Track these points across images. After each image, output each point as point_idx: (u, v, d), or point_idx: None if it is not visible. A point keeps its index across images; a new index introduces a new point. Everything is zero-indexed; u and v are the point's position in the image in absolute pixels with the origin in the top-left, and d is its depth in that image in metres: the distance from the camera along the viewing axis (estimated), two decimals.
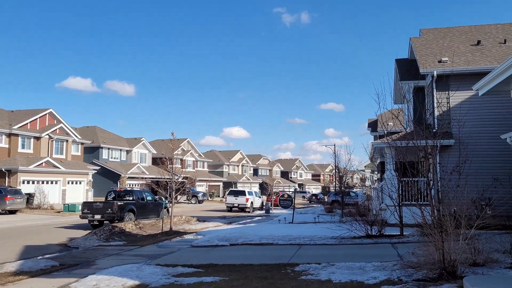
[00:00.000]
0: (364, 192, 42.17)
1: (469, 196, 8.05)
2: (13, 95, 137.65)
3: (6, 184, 33.22)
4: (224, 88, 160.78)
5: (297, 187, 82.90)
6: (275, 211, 35.40)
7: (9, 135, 36.72)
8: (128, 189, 26.91)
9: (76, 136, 43.85)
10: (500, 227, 9.26)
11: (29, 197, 33.33)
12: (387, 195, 14.37)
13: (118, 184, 47.17)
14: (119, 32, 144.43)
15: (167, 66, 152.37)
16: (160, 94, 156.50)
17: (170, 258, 11.15)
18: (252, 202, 37.07)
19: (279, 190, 56.85)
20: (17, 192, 30.24)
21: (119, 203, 20.54)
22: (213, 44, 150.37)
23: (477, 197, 11.81)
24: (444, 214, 7.46)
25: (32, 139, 38.87)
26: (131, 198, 22.35)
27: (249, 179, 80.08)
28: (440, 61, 17.55)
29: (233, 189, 45.44)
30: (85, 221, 20.82)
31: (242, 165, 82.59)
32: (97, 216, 20.18)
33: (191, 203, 48.77)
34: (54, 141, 40.89)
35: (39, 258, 11.74)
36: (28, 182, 35.92)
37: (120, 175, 49.00)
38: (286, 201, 26.91)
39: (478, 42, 18.96)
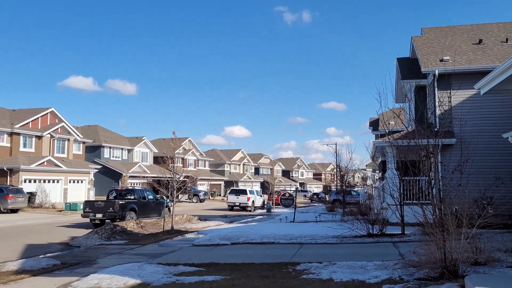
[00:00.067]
0: (365, 191, 42.13)
1: (470, 195, 8.04)
2: (15, 94, 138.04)
3: (8, 183, 33.28)
4: (225, 88, 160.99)
5: (298, 186, 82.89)
6: (276, 210, 35.38)
7: (11, 134, 36.80)
8: (129, 188, 26.95)
9: (77, 135, 43.91)
10: (501, 226, 9.25)
11: (31, 196, 33.39)
12: (389, 194, 14.35)
13: (120, 183, 47.21)
14: (119, 32, 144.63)
15: (167, 66, 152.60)
16: (161, 93, 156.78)
17: (172, 257, 11.15)
18: (253, 201, 37.08)
19: (281, 189, 56.84)
20: (19, 191, 30.30)
21: (120, 202, 20.57)
22: (213, 44, 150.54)
23: (479, 196, 11.79)
24: (446, 213, 7.44)
25: (33, 138, 38.93)
26: (132, 197, 22.38)
27: (250, 178, 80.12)
28: (441, 60, 17.52)
29: (234, 188, 45.44)
30: (87, 220, 20.85)
31: (244, 164, 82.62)
32: (99, 215, 20.22)
33: (193, 202, 48.82)
34: (55, 140, 40.95)
35: (40, 257, 11.75)
36: (29, 181, 36.01)
37: (122, 174, 49.06)
38: (287, 200, 26.88)
39: (480, 41, 18.92)
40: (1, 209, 28.45)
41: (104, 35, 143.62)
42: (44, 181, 37.29)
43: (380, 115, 14.60)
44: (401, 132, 15.98)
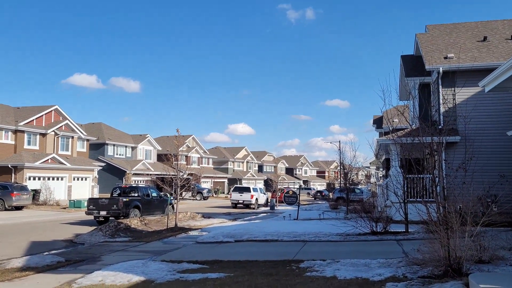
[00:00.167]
0: (369, 189, 42.08)
1: (475, 193, 8.01)
2: (19, 92, 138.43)
3: (13, 181, 33.41)
4: (226, 87, 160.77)
5: (302, 184, 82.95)
6: (280, 207, 35.42)
7: (15, 132, 36.93)
8: (133, 185, 26.99)
9: (81, 132, 44.04)
10: (506, 224, 9.23)
11: (35, 193, 33.53)
12: (392, 192, 14.33)
13: (124, 180, 47.33)
14: (119, 32, 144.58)
15: (169, 65, 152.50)
16: (165, 91, 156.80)
17: (175, 254, 11.18)
18: (257, 199, 37.11)
19: (284, 186, 56.88)
20: (23, 189, 30.44)
21: (124, 200, 20.62)
22: (213, 44, 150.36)
23: (483, 194, 11.76)
24: (450, 211, 7.43)
25: (38, 136, 39.06)
26: (136, 195, 22.43)
27: (254, 176, 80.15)
28: (446, 58, 17.45)
29: (238, 185, 45.49)
30: (91, 217, 20.92)
31: (247, 162, 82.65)
32: (103, 213, 20.27)
33: (196, 199, 48.92)
34: (59, 138, 41.07)
35: (45, 254, 11.81)
36: (34, 179, 36.16)
37: (125, 171, 49.17)
38: (291, 198, 26.87)
39: (485, 38, 18.82)
40: (6, 206, 28.61)
41: (104, 35, 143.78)
42: (49, 179, 37.45)
43: (384, 112, 14.57)
44: (405, 130, 15.95)
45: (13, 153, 36.59)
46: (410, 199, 14.86)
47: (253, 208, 35.80)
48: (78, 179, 41.42)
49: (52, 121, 40.90)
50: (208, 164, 71.47)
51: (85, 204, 23.52)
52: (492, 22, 21.14)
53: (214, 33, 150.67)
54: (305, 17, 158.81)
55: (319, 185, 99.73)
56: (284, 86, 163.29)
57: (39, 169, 36.52)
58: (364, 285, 6.95)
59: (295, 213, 22.70)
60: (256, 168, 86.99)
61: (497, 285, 5.79)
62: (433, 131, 8.80)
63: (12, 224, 20.59)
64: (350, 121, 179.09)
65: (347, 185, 30.82)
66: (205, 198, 50.06)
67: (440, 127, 15.03)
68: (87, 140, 46.05)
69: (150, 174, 48.37)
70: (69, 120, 42.30)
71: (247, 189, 37.80)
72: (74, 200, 31.97)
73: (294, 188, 45.03)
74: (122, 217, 19.74)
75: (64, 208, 31.57)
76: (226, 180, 73.74)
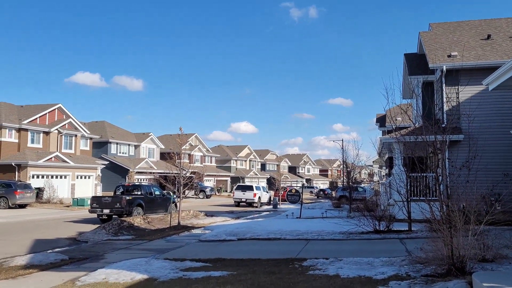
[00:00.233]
0: (372, 187, 42.02)
1: (478, 191, 7.98)
2: (22, 91, 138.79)
3: (16, 179, 33.56)
4: (229, 85, 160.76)
5: (304, 182, 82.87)
6: (282, 206, 35.42)
7: (19, 130, 37.06)
8: (136, 183, 27.09)
9: (84, 131, 44.15)
10: (509, 223, 9.20)
11: (39, 191, 33.67)
12: (395, 190, 14.29)
13: (127, 178, 47.45)
14: (119, 32, 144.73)
15: (170, 64, 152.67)
16: (168, 89, 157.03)
17: (178, 252, 11.20)
18: (259, 197, 37.12)
19: (287, 185, 56.86)
20: (27, 187, 30.57)
21: (127, 198, 20.67)
22: (214, 44, 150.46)
23: (487, 192, 11.70)
24: (453, 210, 7.40)
25: (41, 134, 39.18)
26: (139, 193, 22.47)
27: (256, 174, 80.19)
28: (449, 56, 17.38)
29: (240, 184, 45.52)
30: (94, 215, 20.98)
31: (250, 160, 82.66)
32: (106, 211, 20.32)
33: (199, 198, 48.97)
34: (63, 136, 41.20)
35: (48, 252, 11.85)
36: (37, 177, 36.29)
37: (129, 170, 49.29)
38: (293, 196, 26.86)
39: (488, 36, 18.74)
40: (10, 204, 28.73)
41: (104, 35, 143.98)
42: (52, 177, 37.55)
43: (387, 111, 14.55)
44: (408, 128, 15.90)
45: (17, 152, 36.73)
46: (413, 198, 14.84)
47: (256, 207, 35.82)
48: (81, 177, 41.54)
49: (56, 119, 41.01)
50: (211, 162, 71.53)
51: (89, 202, 23.58)
52: (496, 20, 21.06)
53: (214, 33, 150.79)
54: (308, 15, 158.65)
55: (322, 184, 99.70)
56: (285, 85, 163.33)
57: (43, 167, 36.64)
58: (367, 283, 6.94)
59: (298, 211, 22.70)
60: (259, 167, 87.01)
61: (501, 284, 5.77)
62: (436, 130, 8.75)
63: (16, 222, 20.67)
64: (353, 119, 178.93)
65: (350, 183, 30.79)
66: (208, 197, 50.12)
67: (443, 125, 14.98)
68: (90, 138, 46.16)
69: (153, 173, 48.44)
70: (72, 119, 42.40)
71: (250, 188, 37.81)
72: (77, 198, 32.09)
73: (297, 186, 45.04)
74: (125, 215, 19.78)
75: (68, 206, 31.67)
76: (229, 179, 73.78)
